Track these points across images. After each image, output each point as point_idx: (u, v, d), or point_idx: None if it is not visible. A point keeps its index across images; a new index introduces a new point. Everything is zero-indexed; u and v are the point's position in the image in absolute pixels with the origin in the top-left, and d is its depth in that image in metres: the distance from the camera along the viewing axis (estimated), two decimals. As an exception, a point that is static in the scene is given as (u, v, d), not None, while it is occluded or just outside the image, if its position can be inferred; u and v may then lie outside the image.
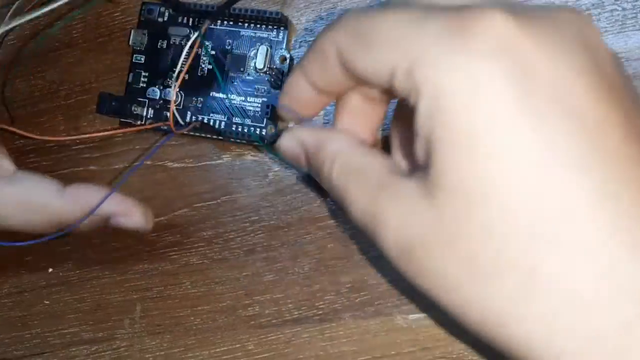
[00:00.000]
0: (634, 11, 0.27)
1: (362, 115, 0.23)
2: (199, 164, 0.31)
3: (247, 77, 0.31)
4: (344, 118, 0.23)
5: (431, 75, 0.16)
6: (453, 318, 0.18)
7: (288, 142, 0.23)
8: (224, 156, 0.31)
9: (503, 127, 0.16)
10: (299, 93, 0.22)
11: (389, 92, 0.20)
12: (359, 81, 0.20)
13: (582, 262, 0.15)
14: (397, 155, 0.22)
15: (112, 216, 0.29)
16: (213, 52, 0.31)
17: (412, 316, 0.28)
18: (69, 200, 0.28)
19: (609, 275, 0.15)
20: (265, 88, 0.30)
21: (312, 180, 0.27)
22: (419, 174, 0.18)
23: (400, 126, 0.23)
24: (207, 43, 0.31)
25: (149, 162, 0.32)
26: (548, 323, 0.16)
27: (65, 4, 0.31)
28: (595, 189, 0.15)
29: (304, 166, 0.24)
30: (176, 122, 0.31)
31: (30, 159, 0.34)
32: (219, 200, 0.31)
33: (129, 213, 0.29)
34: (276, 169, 0.30)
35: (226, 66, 0.31)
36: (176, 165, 0.32)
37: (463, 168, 0.16)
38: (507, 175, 0.16)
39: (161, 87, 0.32)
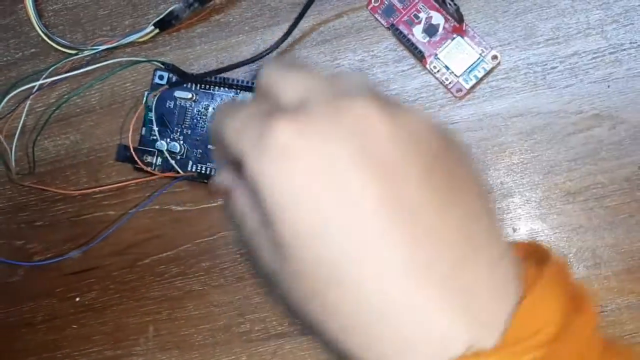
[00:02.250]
0: (543, 73, 0.33)
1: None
2: (198, 207, 0.38)
3: None
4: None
5: (247, 173, 0.21)
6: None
7: (215, 182, 0.28)
8: (218, 200, 0.37)
9: (298, 214, 0.20)
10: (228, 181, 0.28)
11: None
12: None
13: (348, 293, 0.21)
14: None
15: None
16: (212, 112, 0.38)
17: (374, 328, 0.34)
18: None
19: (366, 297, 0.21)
20: None
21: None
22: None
23: None
24: (206, 104, 0.38)
25: (157, 207, 0.38)
26: (350, 339, 0.21)
27: (83, 73, 0.37)
28: (354, 257, 0.20)
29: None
30: (177, 171, 0.37)
31: (58, 206, 0.40)
32: (215, 237, 0.37)
33: None
34: (261, 209, 0.37)
35: None
36: (179, 208, 0.38)
37: (276, 225, 0.21)
38: (306, 252, 0.21)
39: (168, 140, 0.38)
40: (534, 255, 0.24)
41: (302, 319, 0.23)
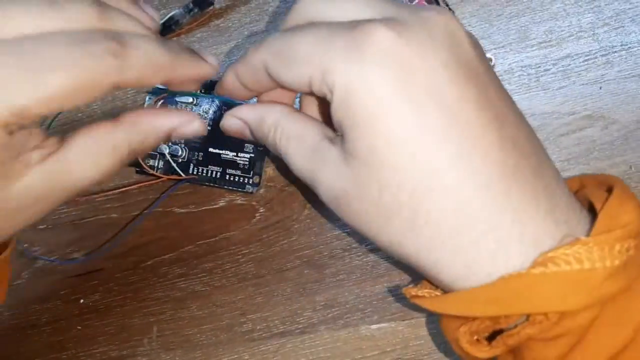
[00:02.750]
0: (537, 75, 0.34)
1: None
2: (200, 208, 0.38)
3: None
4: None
5: (338, 81, 0.22)
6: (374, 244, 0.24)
7: (229, 122, 0.28)
8: (219, 202, 0.38)
9: (386, 113, 0.22)
10: (232, 89, 0.27)
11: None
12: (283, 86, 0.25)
13: (445, 199, 0.22)
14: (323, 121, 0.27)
15: (174, 129, 0.26)
16: (212, 116, 0.38)
17: (374, 326, 0.34)
18: (129, 129, 0.25)
19: (463, 206, 0.22)
20: (252, 147, 0.38)
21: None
22: (340, 142, 0.24)
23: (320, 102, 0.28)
24: (207, 108, 0.38)
25: (160, 209, 0.39)
26: (428, 243, 0.22)
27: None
28: (452, 151, 0.21)
29: (249, 139, 0.28)
30: (179, 174, 0.38)
31: (61, 210, 0.41)
32: (217, 238, 0.38)
33: (189, 119, 0.26)
34: (261, 210, 0.37)
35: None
36: (182, 210, 0.39)
37: (363, 143, 0.22)
38: (391, 146, 0.22)
39: (170, 144, 0.39)
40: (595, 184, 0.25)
41: (376, 239, 0.23)
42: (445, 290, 0.23)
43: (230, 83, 0.26)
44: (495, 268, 0.21)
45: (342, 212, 0.24)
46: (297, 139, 0.25)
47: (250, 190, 0.37)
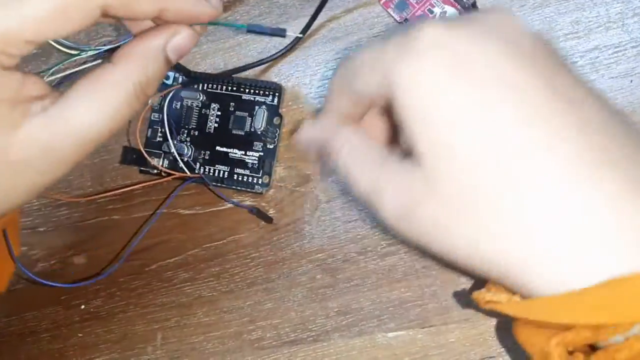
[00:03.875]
0: (563, 68, 0.32)
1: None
2: (207, 210, 0.37)
3: (247, 135, 0.36)
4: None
5: (396, 80, 0.21)
6: (448, 262, 0.22)
7: (304, 135, 0.27)
8: (227, 203, 0.36)
9: (448, 102, 0.20)
10: (328, 130, 0.26)
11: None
12: (368, 100, 0.25)
13: (531, 189, 0.19)
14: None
15: (166, 47, 0.25)
16: (219, 113, 0.37)
17: (390, 334, 0.33)
18: (125, 63, 0.24)
19: (556, 197, 0.19)
20: (261, 145, 0.36)
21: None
22: (407, 157, 0.23)
23: (384, 124, 0.27)
24: (214, 105, 0.37)
25: (164, 210, 0.37)
26: (515, 241, 0.20)
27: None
28: (533, 135, 0.20)
29: (314, 156, 0.28)
30: (185, 173, 0.36)
31: (62, 211, 0.39)
32: (224, 241, 0.36)
33: (175, 30, 0.25)
34: (272, 212, 0.35)
35: (230, 125, 0.36)
36: (188, 212, 0.37)
37: (433, 138, 0.21)
38: (461, 138, 0.20)
39: (175, 142, 0.37)
40: None
41: (446, 248, 0.21)
42: (526, 296, 0.21)
43: (327, 123, 0.26)
44: (600, 269, 0.19)
45: (412, 223, 0.22)
46: (360, 152, 0.25)
47: (260, 191, 0.35)
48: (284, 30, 0.27)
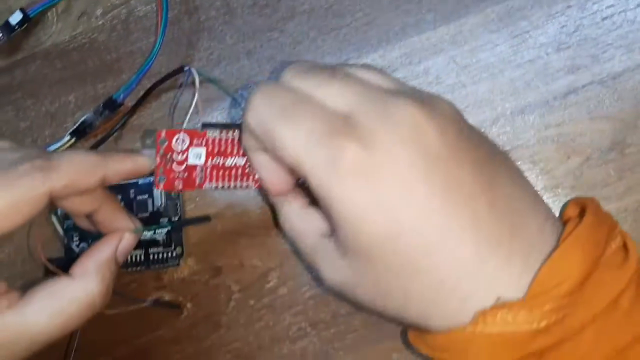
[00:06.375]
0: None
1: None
2: (129, 309, 0.38)
3: (152, 215, 0.38)
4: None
5: (318, 190, 0.25)
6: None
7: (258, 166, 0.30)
8: (146, 300, 0.38)
9: (363, 217, 0.24)
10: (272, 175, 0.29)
11: None
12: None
13: (426, 283, 0.24)
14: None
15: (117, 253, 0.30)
16: (123, 203, 0.38)
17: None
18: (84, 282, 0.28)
19: (451, 276, 0.24)
20: (167, 219, 0.37)
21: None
22: (334, 237, 0.26)
23: None
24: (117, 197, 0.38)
25: (91, 312, 0.38)
26: (425, 308, 0.25)
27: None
28: (425, 244, 0.24)
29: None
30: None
31: None
32: (148, 338, 0.37)
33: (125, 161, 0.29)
34: (189, 305, 0.37)
35: (134, 211, 0.38)
36: (112, 312, 0.38)
37: (351, 241, 0.25)
38: (373, 246, 0.24)
39: (90, 241, 0.38)
40: (581, 210, 0.27)
41: (376, 312, 0.27)
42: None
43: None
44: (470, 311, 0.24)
45: (347, 298, 0.27)
46: (300, 236, 0.29)
47: (177, 263, 0.37)
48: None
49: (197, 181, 0.30)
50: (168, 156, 0.30)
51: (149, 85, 0.38)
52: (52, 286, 0.27)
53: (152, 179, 0.35)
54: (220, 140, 0.30)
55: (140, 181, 0.37)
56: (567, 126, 0.32)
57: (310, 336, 0.35)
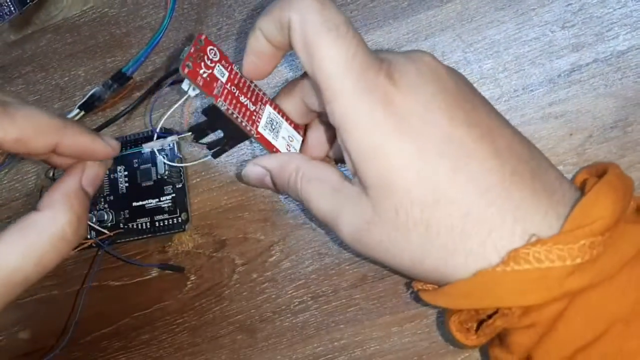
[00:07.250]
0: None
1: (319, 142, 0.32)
2: (134, 280, 0.39)
3: (157, 183, 0.38)
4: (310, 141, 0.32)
5: (338, 118, 0.26)
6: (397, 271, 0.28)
7: (251, 169, 0.31)
8: (152, 272, 0.38)
9: (386, 145, 0.25)
10: (258, 47, 0.29)
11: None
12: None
13: (451, 208, 0.24)
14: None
15: (82, 182, 0.28)
16: (127, 173, 0.38)
17: (306, 388, 0.34)
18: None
19: (468, 212, 0.24)
20: (171, 187, 0.38)
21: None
22: (357, 180, 0.27)
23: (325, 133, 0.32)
24: (120, 167, 0.39)
25: (96, 283, 0.39)
26: (444, 252, 0.25)
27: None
28: (449, 166, 0.24)
29: (269, 186, 0.31)
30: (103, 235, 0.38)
31: (6, 290, 0.41)
32: (152, 309, 0.38)
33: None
34: (193, 278, 0.37)
35: (138, 180, 0.38)
36: (117, 283, 0.39)
37: (373, 173, 0.25)
38: (396, 171, 0.25)
39: (95, 212, 0.39)
40: (595, 173, 0.27)
41: (391, 260, 0.26)
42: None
43: (256, 39, 0.28)
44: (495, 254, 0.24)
45: (364, 243, 0.27)
46: (318, 181, 0.29)
47: (183, 229, 0.37)
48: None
49: (215, 91, 0.30)
50: (201, 55, 0.30)
51: (157, 60, 0.38)
52: (20, 223, 0.25)
53: (155, 148, 0.36)
54: (241, 78, 0.31)
55: (144, 150, 0.37)
56: (570, 104, 0.32)
57: (311, 309, 0.35)
